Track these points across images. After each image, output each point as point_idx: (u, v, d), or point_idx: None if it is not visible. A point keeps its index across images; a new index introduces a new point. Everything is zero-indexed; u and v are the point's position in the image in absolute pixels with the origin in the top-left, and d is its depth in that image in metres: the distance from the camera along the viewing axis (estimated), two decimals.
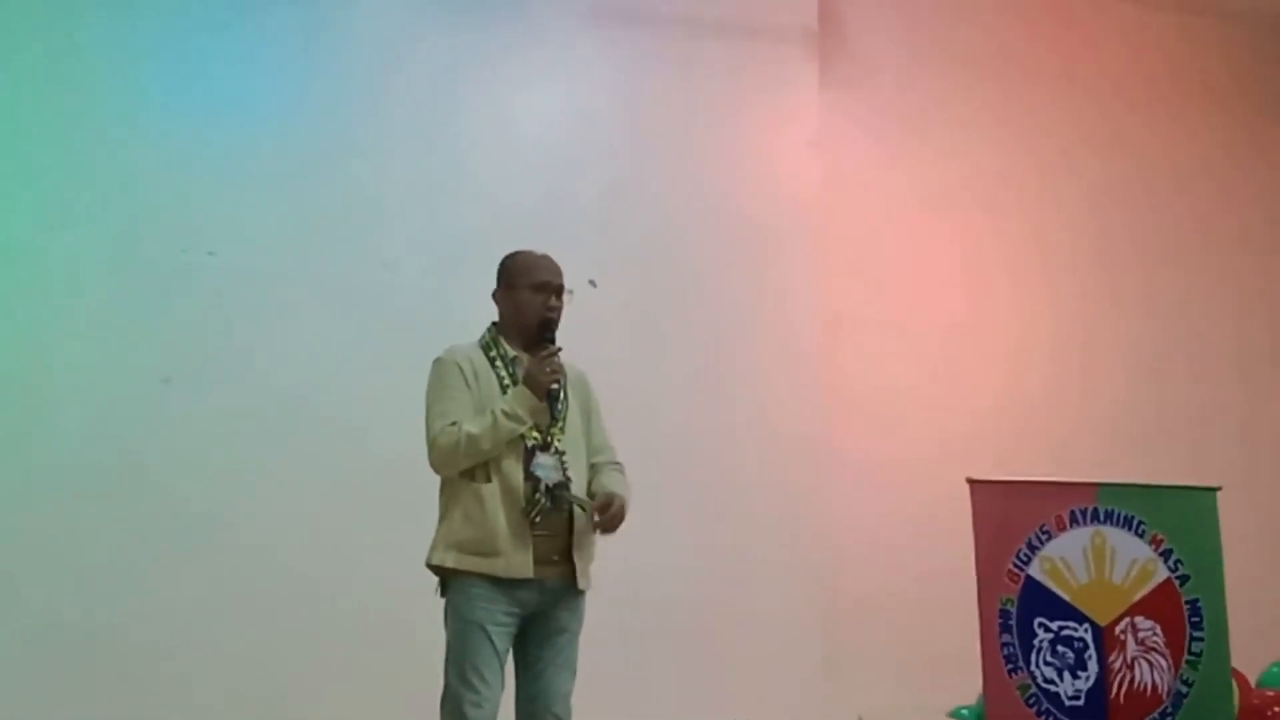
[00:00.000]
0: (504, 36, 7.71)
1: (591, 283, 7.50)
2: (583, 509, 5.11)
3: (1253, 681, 6.65)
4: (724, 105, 8.05)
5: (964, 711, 6.67)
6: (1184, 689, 5.15)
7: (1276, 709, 6.46)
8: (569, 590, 5.14)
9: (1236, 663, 5.87)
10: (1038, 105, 8.91)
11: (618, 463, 5.38)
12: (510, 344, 5.25)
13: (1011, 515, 5.13)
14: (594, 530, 5.16)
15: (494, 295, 5.33)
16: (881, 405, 8.27)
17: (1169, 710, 5.11)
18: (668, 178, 7.90)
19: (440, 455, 5.07)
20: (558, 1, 7.87)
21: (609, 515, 5.09)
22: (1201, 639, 5.18)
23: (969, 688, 6.24)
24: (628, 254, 7.73)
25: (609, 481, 5.26)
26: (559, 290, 5.26)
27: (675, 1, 8.11)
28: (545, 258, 5.30)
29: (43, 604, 6.65)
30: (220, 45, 7.22)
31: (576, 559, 5.11)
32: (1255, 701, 6.43)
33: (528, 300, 5.23)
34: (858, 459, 8.10)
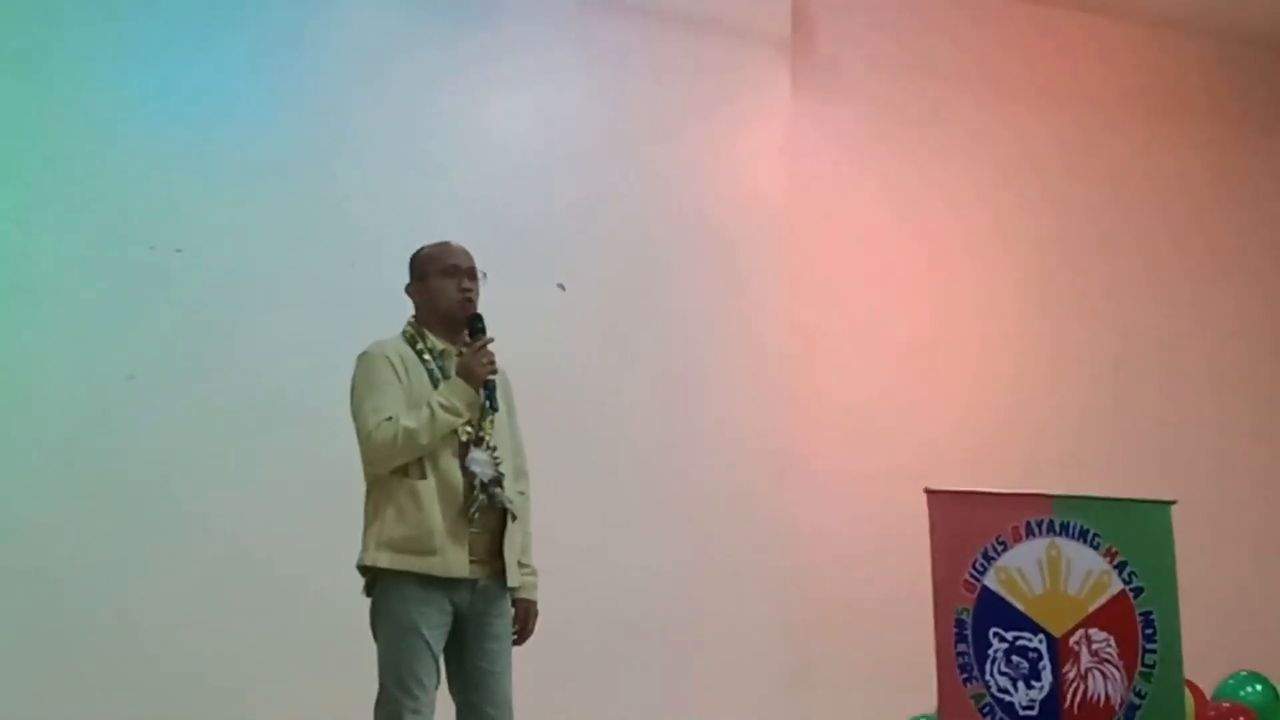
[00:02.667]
0: (478, 42, 7.73)
1: (560, 286, 7.53)
2: (512, 511, 5.12)
3: (1208, 693, 6.70)
4: (695, 113, 8.07)
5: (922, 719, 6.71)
6: (1137, 700, 5.17)
7: None
8: (498, 590, 5.14)
9: (1195, 675, 5.91)
10: (1008, 116, 8.95)
11: (525, 491, 5.39)
12: (434, 336, 5.25)
13: (968, 525, 5.16)
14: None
15: (407, 289, 5.34)
16: (848, 415, 8.29)
17: None
18: (639, 184, 7.91)
19: (376, 451, 5.04)
20: (532, 9, 7.87)
21: (525, 632, 5.17)
22: (1155, 651, 5.21)
23: (933, 697, 6.27)
24: (597, 260, 7.75)
25: (525, 569, 5.28)
26: (471, 272, 5.25)
27: (647, 7, 8.11)
28: (455, 244, 5.32)
29: (7, 600, 6.64)
30: (194, 48, 7.22)
31: (507, 556, 5.11)
32: (1210, 714, 6.49)
33: (440, 287, 5.23)
34: (823, 469, 8.12)
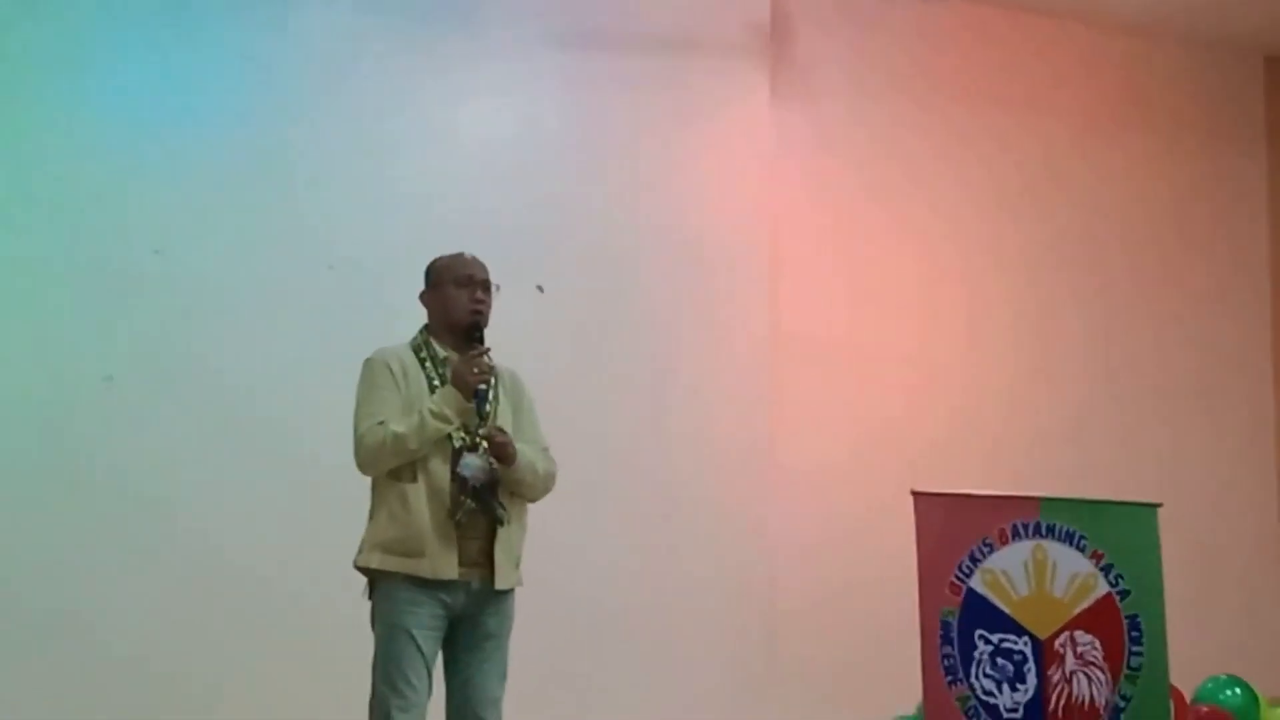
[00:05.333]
0: (453, 48, 7.73)
1: (539, 288, 7.53)
2: (500, 517, 5.12)
3: (1188, 697, 6.71)
4: (674, 120, 8.08)
5: None
6: (1122, 703, 5.18)
7: None
8: (495, 592, 5.15)
9: (1174, 679, 5.91)
10: (988, 123, 8.98)
11: (546, 449, 5.38)
12: (440, 345, 5.27)
13: (954, 527, 5.16)
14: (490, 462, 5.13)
15: (421, 297, 5.36)
16: (823, 418, 8.31)
17: None
18: (615, 191, 7.92)
19: (366, 454, 5.10)
20: (509, 15, 7.86)
21: (498, 441, 5.09)
22: (1140, 654, 5.21)
23: (907, 698, 6.27)
24: (574, 267, 7.76)
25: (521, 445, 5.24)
26: (485, 285, 5.28)
27: (627, 17, 8.11)
28: (470, 255, 5.34)
29: None
30: (168, 50, 7.20)
31: (497, 558, 5.12)
32: (1190, 718, 6.49)
33: (453, 296, 5.26)
34: (800, 472, 8.14)
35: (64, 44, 7.07)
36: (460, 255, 5.39)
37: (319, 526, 6.73)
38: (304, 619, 6.92)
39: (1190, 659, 6.30)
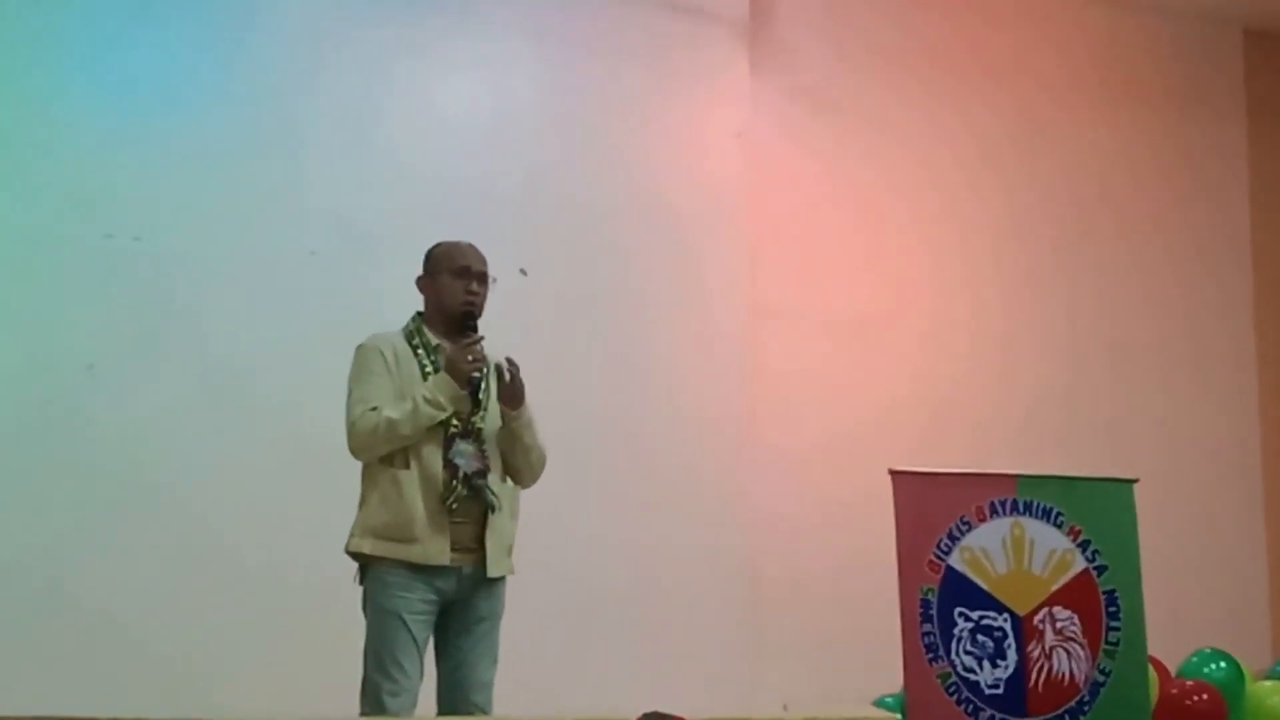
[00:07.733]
0: (432, 23, 7.75)
1: (522, 271, 7.53)
2: (492, 504, 5.14)
3: (1173, 671, 6.72)
4: (652, 94, 8.10)
5: (888, 700, 6.71)
6: (1101, 678, 5.18)
7: (1195, 698, 6.54)
8: (483, 577, 5.18)
9: (1159, 653, 5.92)
10: (964, 99, 8.99)
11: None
12: (433, 332, 5.30)
13: (932, 506, 5.16)
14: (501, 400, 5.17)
15: (418, 283, 5.38)
16: (805, 393, 8.34)
17: (1086, 699, 5.15)
18: (594, 166, 7.94)
19: (359, 439, 5.12)
20: None
21: (511, 382, 5.12)
22: (1119, 629, 5.22)
23: (893, 675, 6.28)
24: (553, 241, 7.79)
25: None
26: (481, 276, 5.31)
27: None
28: (468, 245, 5.36)
29: None
30: (146, 30, 7.21)
31: (488, 545, 5.14)
32: (1174, 691, 6.49)
33: (448, 286, 5.29)
34: (782, 447, 8.17)
35: (40, 28, 7.06)
36: (458, 244, 5.41)
37: (310, 511, 6.75)
38: (301, 600, 6.94)
39: (1177, 633, 6.31)
